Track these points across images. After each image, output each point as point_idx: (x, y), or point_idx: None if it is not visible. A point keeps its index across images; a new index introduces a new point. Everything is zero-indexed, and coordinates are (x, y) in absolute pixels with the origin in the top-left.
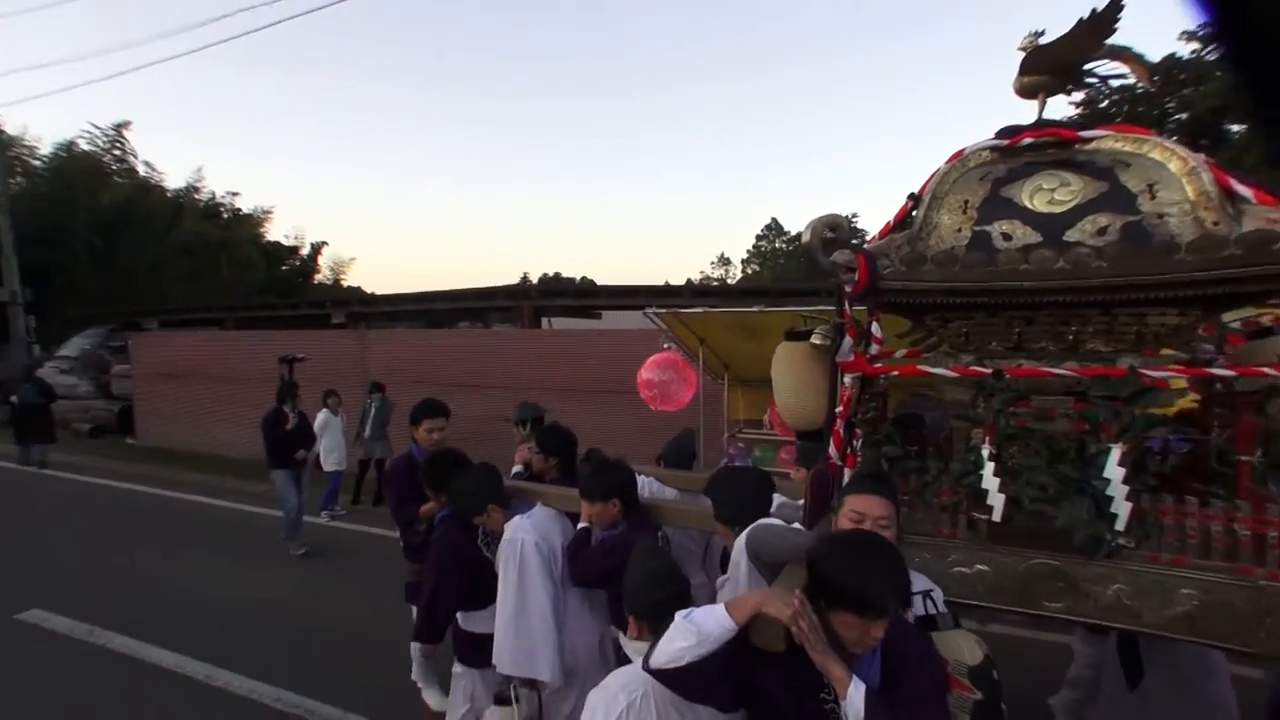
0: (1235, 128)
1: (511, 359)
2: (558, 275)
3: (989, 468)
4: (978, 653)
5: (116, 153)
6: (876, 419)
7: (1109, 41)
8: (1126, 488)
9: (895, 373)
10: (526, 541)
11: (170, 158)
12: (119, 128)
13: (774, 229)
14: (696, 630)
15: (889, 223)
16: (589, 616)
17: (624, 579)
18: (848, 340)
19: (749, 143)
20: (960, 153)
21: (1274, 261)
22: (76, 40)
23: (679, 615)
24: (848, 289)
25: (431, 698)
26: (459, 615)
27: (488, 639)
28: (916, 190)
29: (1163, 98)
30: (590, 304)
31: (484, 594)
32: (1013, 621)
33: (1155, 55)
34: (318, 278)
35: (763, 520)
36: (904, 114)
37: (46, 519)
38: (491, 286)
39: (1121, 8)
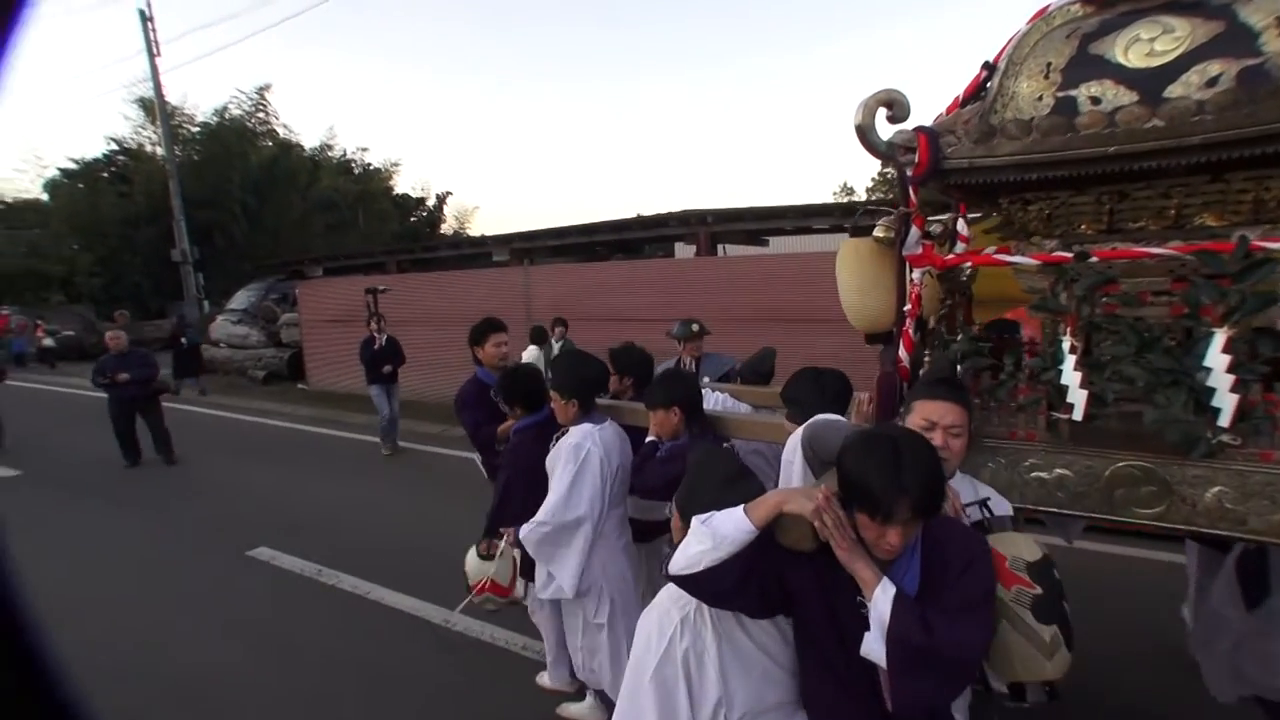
0: None
1: (692, 288)
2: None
3: (1069, 361)
4: (1036, 550)
5: (260, 115)
6: (951, 317)
7: None
8: (1231, 377)
9: (969, 264)
10: (592, 453)
11: (304, 116)
12: (261, 91)
13: (868, 152)
14: (712, 534)
15: (958, 97)
16: (621, 540)
17: (680, 491)
18: (914, 231)
19: (864, 60)
20: (1044, 9)
21: None
22: (204, 4)
23: (696, 520)
24: (909, 172)
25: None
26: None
27: None
28: (991, 59)
29: None
30: (768, 227)
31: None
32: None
33: None
34: (443, 227)
35: (825, 414)
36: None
37: (243, 461)
38: (662, 214)
39: None
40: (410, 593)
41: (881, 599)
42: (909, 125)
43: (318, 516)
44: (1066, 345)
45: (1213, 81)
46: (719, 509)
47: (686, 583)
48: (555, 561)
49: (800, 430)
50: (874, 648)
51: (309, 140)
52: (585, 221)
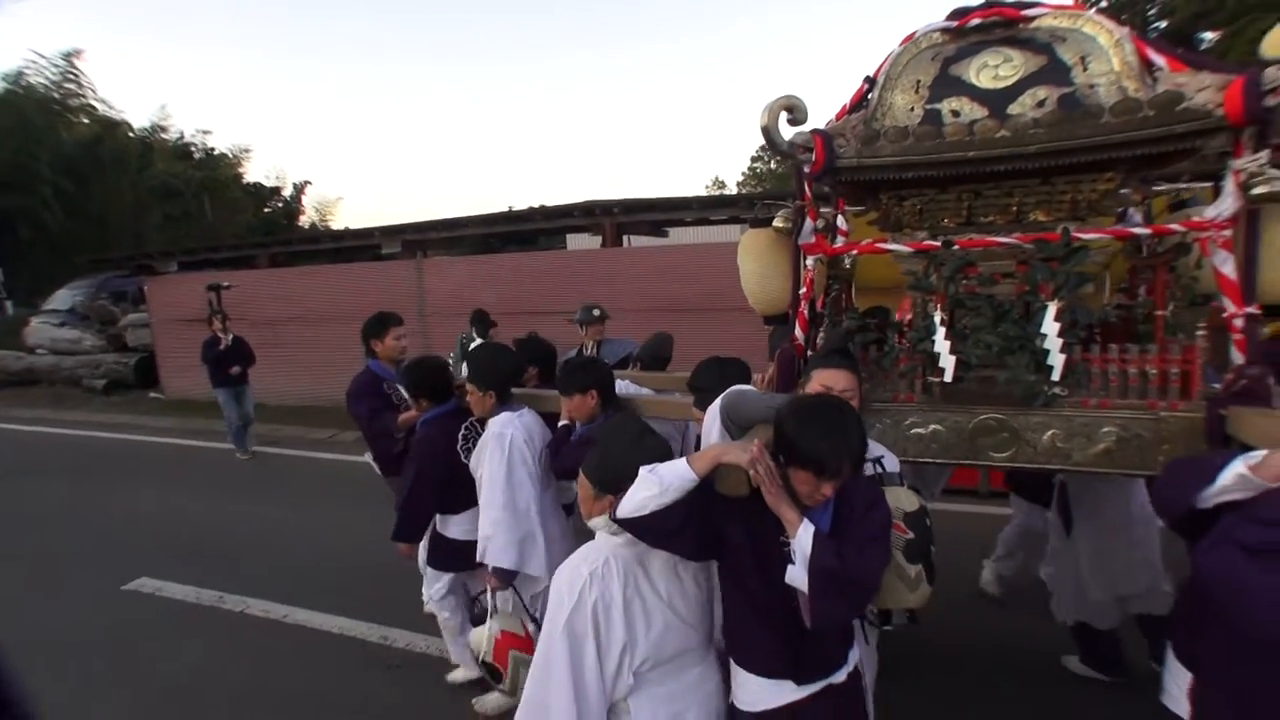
0: (1209, 35)
1: (591, 279)
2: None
3: (940, 332)
4: (914, 501)
5: (71, 86)
6: (838, 299)
7: None
8: (1060, 341)
9: (855, 252)
10: (515, 437)
11: (129, 92)
12: (69, 57)
13: (769, 149)
14: (659, 480)
15: (845, 105)
16: (556, 522)
17: (591, 458)
18: (809, 223)
19: (734, 58)
20: (912, 35)
21: (1179, 120)
22: None
23: (643, 469)
24: (806, 169)
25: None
26: (436, 519)
27: (465, 545)
28: (871, 73)
29: (1144, 3)
30: (671, 219)
31: (461, 498)
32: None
33: None
34: (302, 219)
35: (737, 386)
36: (886, 17)
37: (96, 483)
38: (566, 205)
39: None
40: (335, 611)
41: (804, 536)
42: (806, 127)
43: (205, 539)
44: (938, 318)
45: (1041, 103)
46: (632, 466)
47: (634, 525)
48: (526, 553)
49: (718, 401)
50: (797, 576)
51: (137, 119)
52: (481, 213)
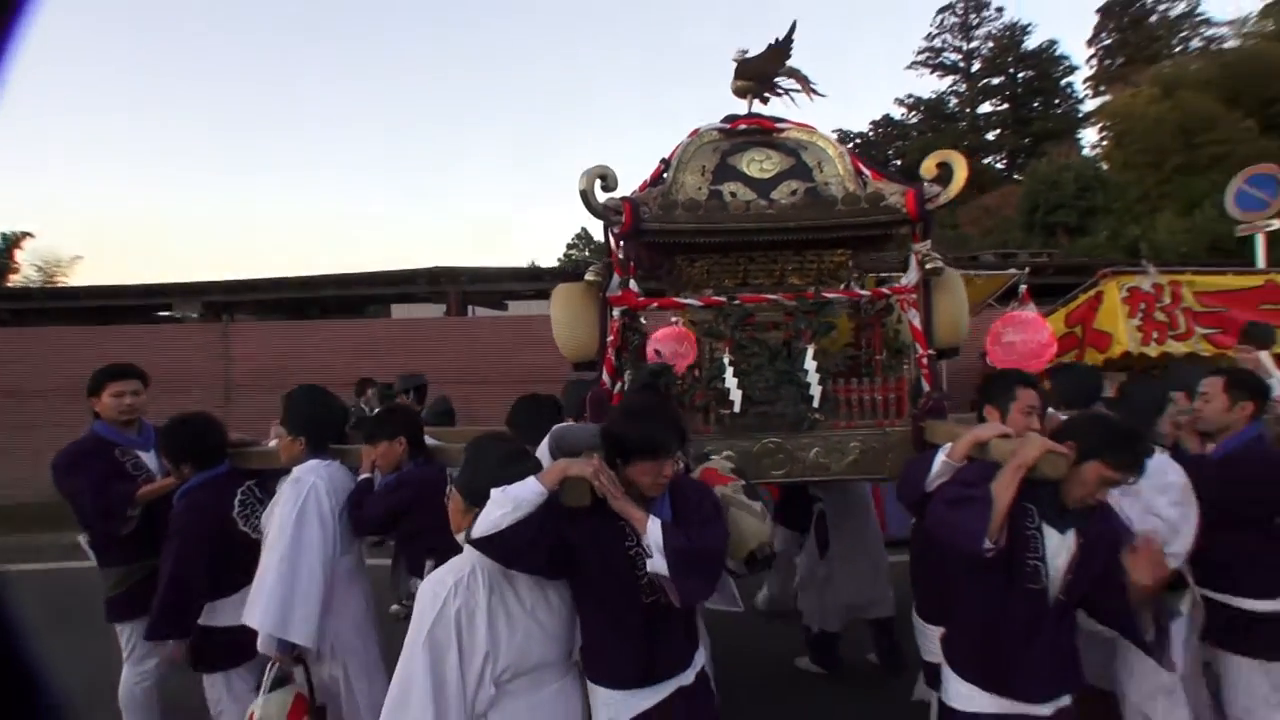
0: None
1: (430, 351)
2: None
3: (729, 371)
4: (730, 462)
5: None
6: (641, 346)
7: (789, 63)
8: (818, 376)
9: (655, 305)
10: (319, 486)
11: None
12: None
13: (584, 238)
14: (512, 499)
15: (645, 181)
16: (354, 592)
17: (462, 473)
18: (616, 278)
19: (550, 152)
20: (697, 131)
21: (882, 213)
22: None
23: (495, 490)
24: (616, 229)
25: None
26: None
27: (239, 632)
28: (667, 156)
29: (885, 146)
30: (520, 289)
31: (236, 576)
32: None
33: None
34: (14, 278)
35: (561, 424)
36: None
37: None
38: (409, 270)
39: (793, 39)
40: None
41: (654, 528)
42: (617, 194)
43: None
44: (726, 360)
45: (794, 192)
46: (504, 483)
47: (488, 544)
48: (290, 618)
49: (545, 440)
50: (658, 564)
51: None
52: (308, 274)
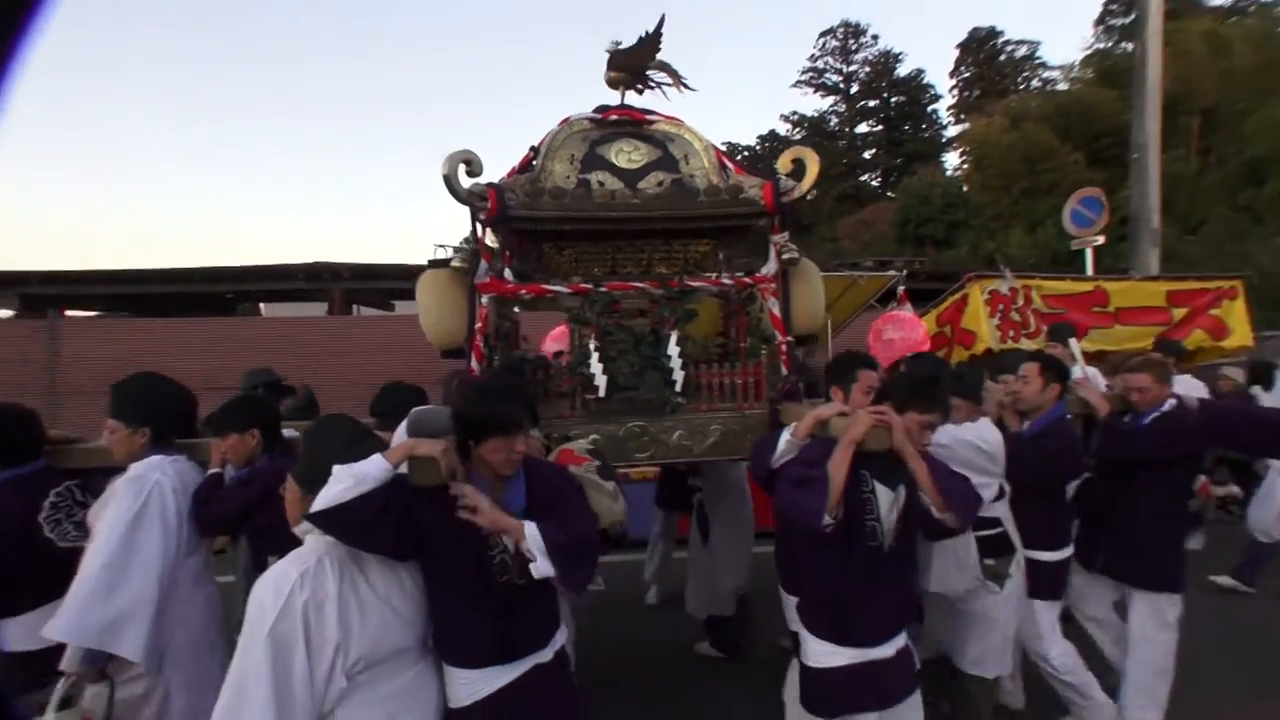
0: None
1: (302, 352)
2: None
3: (594, 356)
4: (588, 443)
5: None
6: (512, 332)
7: (659, 57)
8: (680, 361)
9: (525, 292)
10: (163, 484)
11: None
12: None
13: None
14: (353, 474)
15: (514, 168)
16: (198, 599)
17: (303, 456)
18: (483, 264)
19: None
20: (568, 119)
21: (742, 205)
22: None
23: (337, 467)
24: (482, 215)
25: None
26: None
27: (35, 656)
28: (536, 144)
29: (771, 159)
30: (404, 288)
31: (35, 591)
32: None
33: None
34: None
35: (420, 407)
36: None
37: None
38: (288, 265)
39: (662, 33)
40: None
41: (531, 533)
42: (483, 180)
43: None
44: (592, 346)
45: (661, 183)
46: (347, 463)
47: (327, 518)
48: (120, 630)
49: (403, 425)
50: (543, 567)
51: None
52: (159, 266)
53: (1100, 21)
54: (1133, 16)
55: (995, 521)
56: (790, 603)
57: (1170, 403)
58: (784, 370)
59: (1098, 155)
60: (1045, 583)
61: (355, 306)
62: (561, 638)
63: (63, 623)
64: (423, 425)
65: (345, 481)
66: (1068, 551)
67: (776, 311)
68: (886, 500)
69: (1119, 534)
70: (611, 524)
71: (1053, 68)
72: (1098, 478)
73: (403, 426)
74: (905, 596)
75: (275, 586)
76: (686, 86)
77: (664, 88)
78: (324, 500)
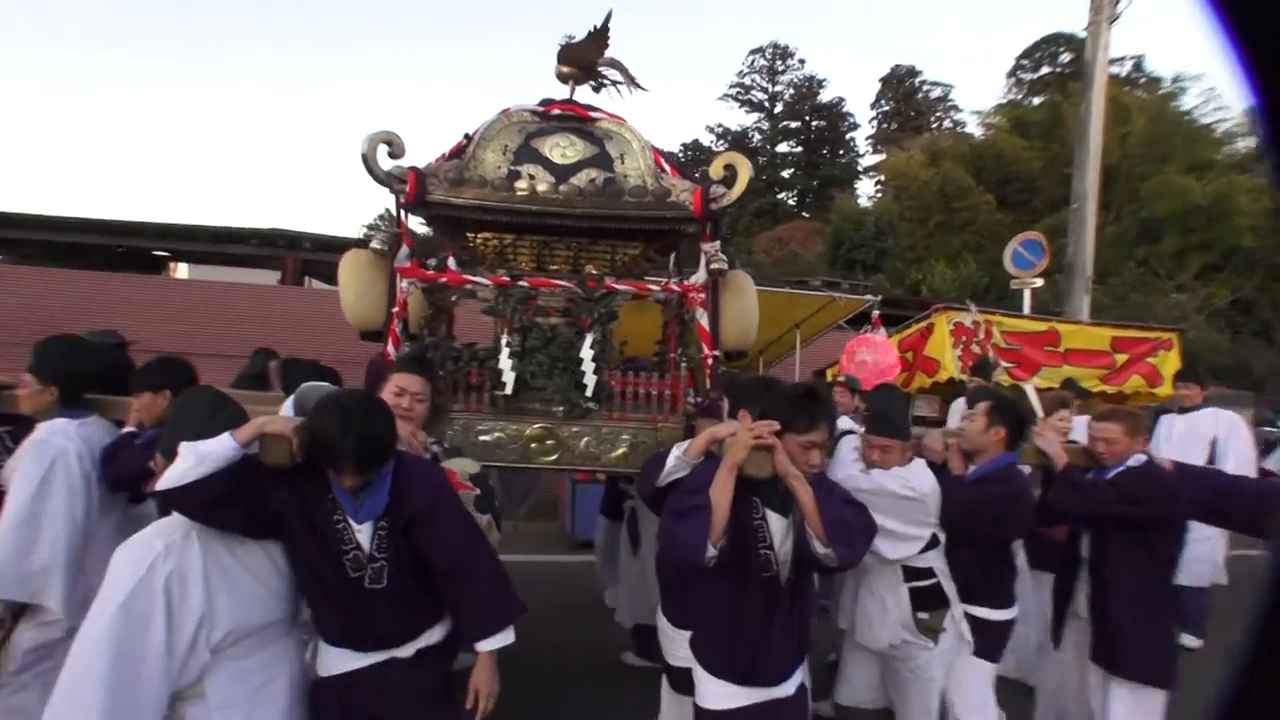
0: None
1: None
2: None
3: (505, 351)
4: (475, 466)
5: None
6: (434, 321)
7: (608, 53)
8: (594, 364)
9: (443, 280)
10: (67, 450)
11: None
12: None
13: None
14: (195, 454)
15: (444, 153)
16: None
17: (166, 428)
18: (404, 249)
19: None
20: (508, 110)
21: (668, 209)
22: None
23: (183, 445)
24: (401, 198)
25: None
26: None
27: None
28: (470, 132)
29: (693, 168)
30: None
31: None
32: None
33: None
34: None
35: (310, 383)
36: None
37: None
38: (239, 228)
39: (608, 28)
40: None
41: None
42: (404, 162)
43: None
44: (504, 340)
45: (593, 180)
46: (208, 434)
47: (173, 497)
48: (41, 584)
49: (292, 398)
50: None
51: None
52: (108, 218)
53: (1012, 74)
54: (1041, 71)
55: (929, 572)
56: (673, 635)
57: (1138, 458)
58: (707, 385)
59: (1007, 198)
60: (983, 643)
61: (307, 279)
62: (432, 638)
63: None
64: (305, 398)
65: (188, 460)
66: (1011, 612)
67: (704, 323)
68: (780, 528)
69: (1095, 611)
70: None
71: (962, 110)
72: (1068, 543)
73: (289, 401)
74: (804, 630)
75: (137, 557)
76: (637, 85)
77: (616, 86)
78: (168, 479)
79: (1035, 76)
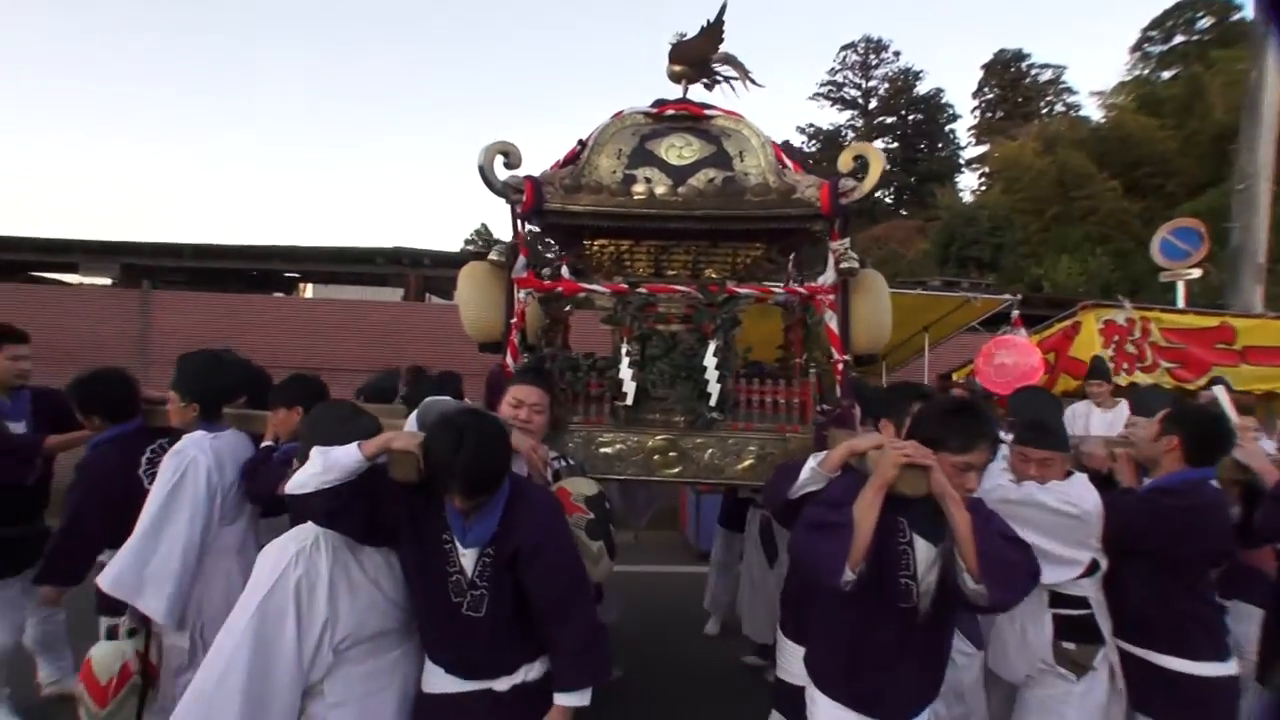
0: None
1: (385, 338)
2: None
3: (625, 361)
4: (593, 487)
5: None
6: (551, 331)
7: (722, 49)
8: (717, 373)
9: (560, 289)
10: (199, 461)
11: None
12: None
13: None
14: (324, 460)
15: (559, 160)
16: (237, 566)
17: (301, 435)
18: (521, 259)
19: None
20: (621, 113)
21: (793, 206)
22: None
23: (314, 450)
24: (517, 208)
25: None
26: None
27: None
28: (584, 137)
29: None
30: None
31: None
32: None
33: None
34: None
35: (433, 397)
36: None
37: None
38: (365, 248)
39: (723, 21)
40: None
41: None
42: (520, 172)
43: None
44: (624, 349)
45: (713, 180)
46: (338, 441)
47: (299, 501)
48: (143, 588)
49: (415, 411)
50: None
51: None
52: (255, 244)
53: (1137, 47)
54: (1174, 41)
55: (1082, 601)
56: (791, 650)
57: None
58: (838, 392)
59: (1135, 184)
60: (1175, 703)
61: (427, 295)
62: (532, 673)
63: (109, 575)
64: (429, 415)
65: (317, 465)
66: (1224, 667)
67: (834, 326)
68: (926, 556)
69: None
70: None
71: (1077, 93)
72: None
73: (413, 416)
74: (937, 670)
75: (274, 561)
76: (753, 81)
77: (730, 82)
78: (294, 484)
79: (1166, 48)
